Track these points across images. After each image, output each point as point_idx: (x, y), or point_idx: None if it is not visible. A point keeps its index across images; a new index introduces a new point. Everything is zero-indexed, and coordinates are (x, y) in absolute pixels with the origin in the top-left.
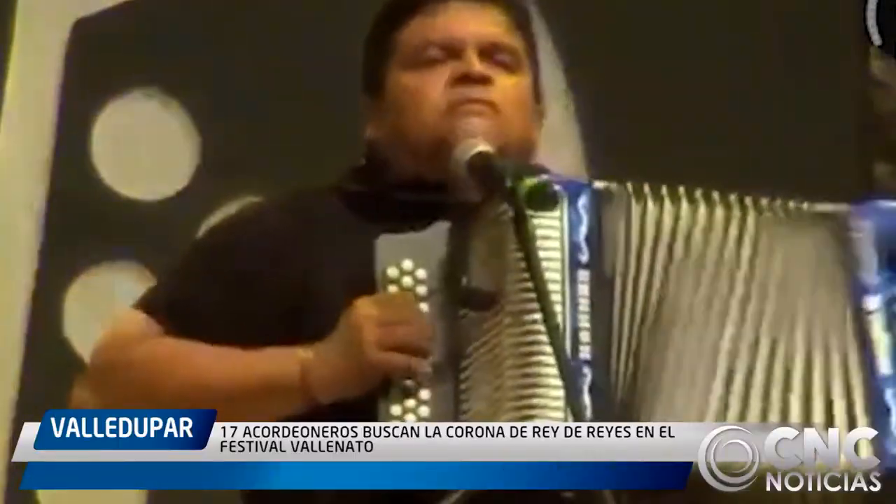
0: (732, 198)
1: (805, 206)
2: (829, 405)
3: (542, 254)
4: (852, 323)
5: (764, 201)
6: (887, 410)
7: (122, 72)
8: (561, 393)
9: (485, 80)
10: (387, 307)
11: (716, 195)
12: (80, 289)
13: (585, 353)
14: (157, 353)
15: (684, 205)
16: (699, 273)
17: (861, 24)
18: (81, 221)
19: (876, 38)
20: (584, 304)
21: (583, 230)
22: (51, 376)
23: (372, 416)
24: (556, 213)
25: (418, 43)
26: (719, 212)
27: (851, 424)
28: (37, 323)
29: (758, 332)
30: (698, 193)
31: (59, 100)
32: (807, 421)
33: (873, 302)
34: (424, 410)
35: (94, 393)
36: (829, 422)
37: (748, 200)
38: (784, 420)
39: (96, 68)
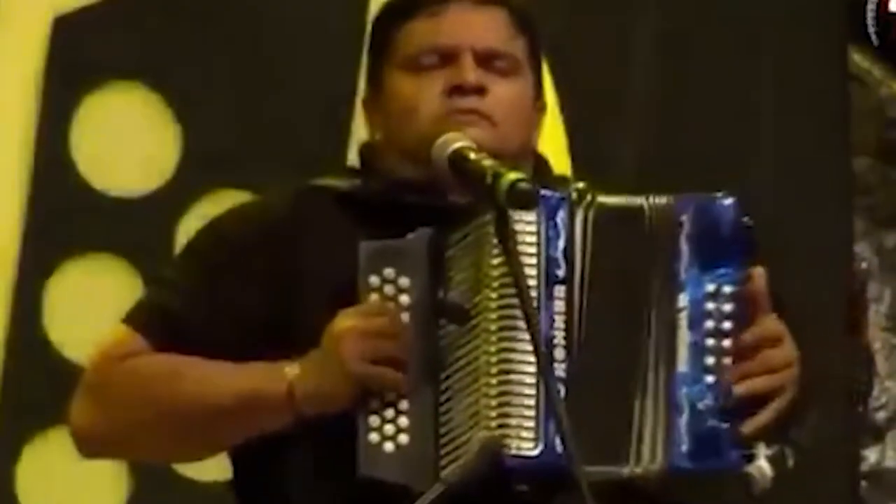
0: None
1: (626, 199)
2: (630, 403)
3: None
4: (664, 321)
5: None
6: (678, 409)
7: (102, 66)
8: (534, 412)
9: (479, 91)
10: (366, 318)
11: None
12: (60, 283)
13: (560, 370)
14: (147, 369)
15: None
16: (636, 278)
17: (840, 20)
18: (61, 215)
19: (875, 40)
20: (559, 321)
21: (560, 244)
22: (30, 369)
23: (349, 423)
24: (534, 228)
25: (416, 46)
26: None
27: (644, 422)
28: (16, 316)
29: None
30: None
31: (39, 94)
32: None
33: (682, 299)
34: (404, 421)
35: (90, 413)
36: (628, 420)
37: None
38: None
39: (76, 63)
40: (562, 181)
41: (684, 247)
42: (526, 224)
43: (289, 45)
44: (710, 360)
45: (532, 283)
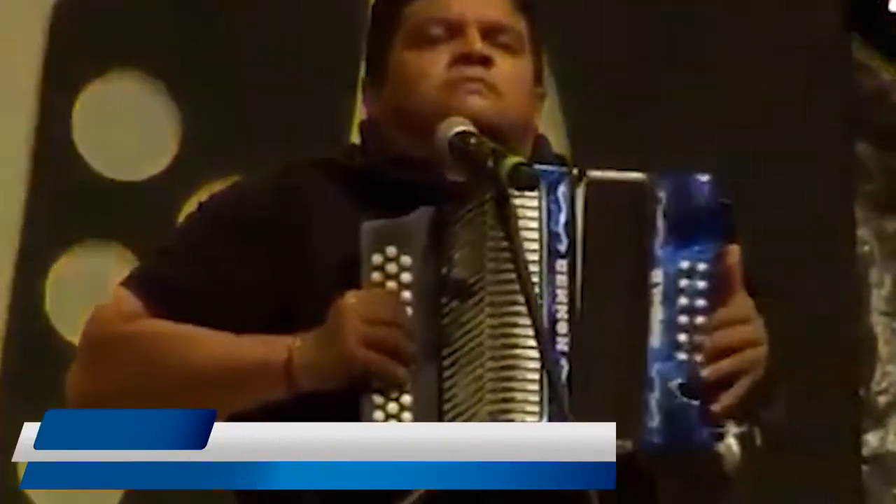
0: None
1: (603, 174)
2: (603, 376)
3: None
4: (638, 297)
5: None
6: (649, 385)
7: (103, 52)
8: (538, 386)
9: (485, 61)
10: (372, 303)
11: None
12: (62, 269)
13: (563, 344)
14: (144, 333)
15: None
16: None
17: (842, 5)
18: (63, 201)
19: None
20: (561, 295)
21: (562, 218)
22: (32, 355)
23: (354, 399)
24: (535, 203)
25: (421, 21)
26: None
27: (619, 397)
28: (18, 302)
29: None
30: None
31: (41, 81)
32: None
33: (657, 275)
34: (407, 399)
35: (86, 374)
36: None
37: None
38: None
39: (77, 49)
40: (560, 160)
41: (660, 223)
42: (528, 199)
43: (289, 31)
44: (682, 338)
45: (535, 257)
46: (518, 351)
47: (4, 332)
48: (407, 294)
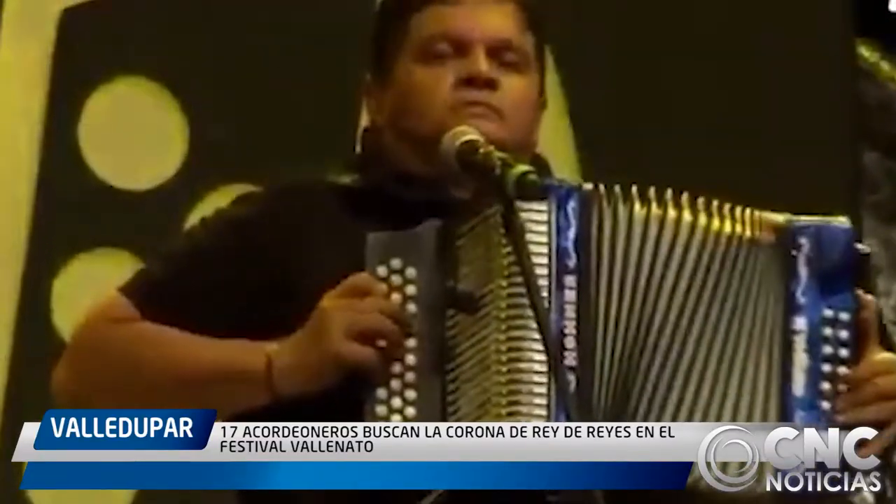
0: (700, 202)
1: (750, 212)
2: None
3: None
4: (778, 342)
5: (726, 206)
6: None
7: (110, 60)
8: (545, 399)
9: (490, 84)
10: (354, 296)
11: (685, 199)
12: (68, 277)
13: (570, 359)
14: (127, 336)
15: (669, 209)
16: (678, 280)
17: (847, 14)
18: (70, 210)
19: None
20: (570, 310)
21: (571, 234)
22: (39, 364)
23: (357, 414)
24: (544, 217)
25: (428, 35)
26: (689, 216)
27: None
28: (25, 311)
29: (709, 343)
30: (671, 195)
31: (48, 89)
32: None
33: (800, 322)
34: (411, 411)
35: (69, 372)
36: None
37: (709, 205)
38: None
39: (84, 57)
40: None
41: (803, 269)
42: (536, 213)
43: (296, 37)
44: (826, 386)
45: (542, 272)
46: (525, 364)
47: (11, 340)
48: (412, 307)
